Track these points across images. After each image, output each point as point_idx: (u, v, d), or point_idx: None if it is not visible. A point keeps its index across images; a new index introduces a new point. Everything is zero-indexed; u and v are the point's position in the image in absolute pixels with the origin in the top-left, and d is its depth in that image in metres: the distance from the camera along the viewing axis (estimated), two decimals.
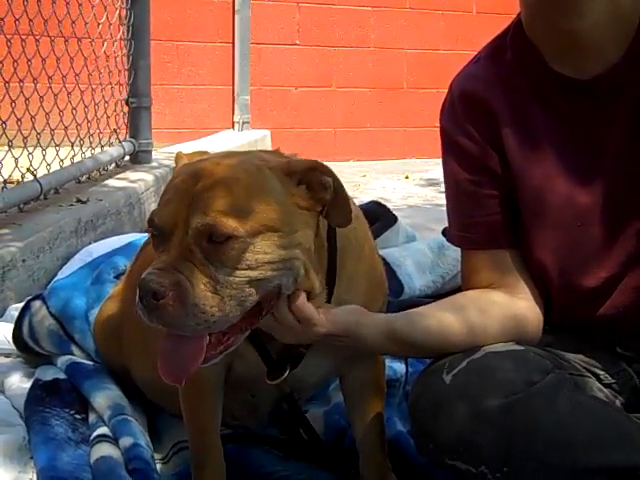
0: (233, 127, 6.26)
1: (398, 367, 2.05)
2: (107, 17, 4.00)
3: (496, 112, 1.57)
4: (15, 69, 3.05)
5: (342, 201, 1.41)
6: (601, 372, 1.59)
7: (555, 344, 1.59)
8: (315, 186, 1.38)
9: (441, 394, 1.43)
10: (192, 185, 1.32)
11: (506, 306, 1.56)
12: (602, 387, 1.58)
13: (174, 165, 1.51)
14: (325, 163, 1.41)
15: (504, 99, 1.57)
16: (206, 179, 1.32)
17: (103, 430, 1.77)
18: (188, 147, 4.92)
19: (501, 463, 1.36)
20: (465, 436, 1.38)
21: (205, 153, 1.52)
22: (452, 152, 1.63)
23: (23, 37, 3.10)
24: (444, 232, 1.71)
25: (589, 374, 1.58)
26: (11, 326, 2.22)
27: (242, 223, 1.29)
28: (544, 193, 1.54)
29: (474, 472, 1.38)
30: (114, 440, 1.74)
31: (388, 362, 1.88)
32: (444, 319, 1.52)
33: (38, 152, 3.19)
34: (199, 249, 1.29)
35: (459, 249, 1.67)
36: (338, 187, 1.40)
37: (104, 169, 3.81)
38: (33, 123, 3.19)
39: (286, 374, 1.51)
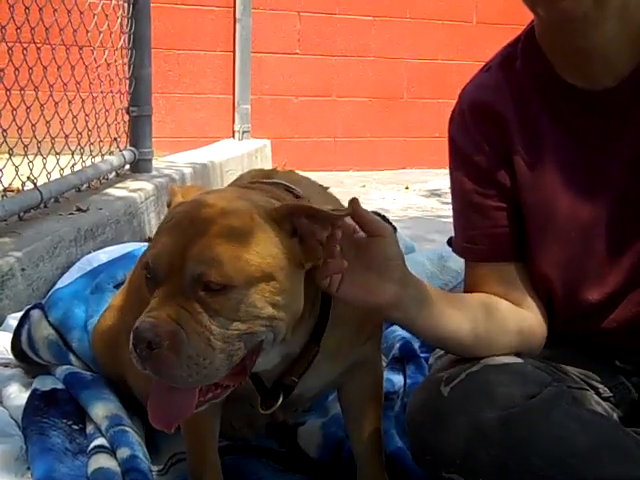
0: (233, 136, 6.27)
1: (396, 379, 2.04)
2: (108, 26, 4.00)
3: (506, 122, 1.55)
4: (16, 77, 3.05)
5: None
6: (599, 385, 1.59)
7: (554, 357, 1.58)
8: (308, 240, 1.35)
9: (439, 407, 1.42)
10: (186, 230, 1.30)
11: (517, 318, 1.54)
12: (600, 400, 1.57)
13: (168, 199, 1.47)
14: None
15: (514, 109, 1.55)
16: (201, 225, 1.30)
17: (101, 441, 1.77)
18: (188, 156, 4.93)
19: (498, 476, 1.36)
20: (462, 449, 1.37)
21: (200, 188, 1.51)
22: (460, 163, 1.61)
23: (25, 45, 3.10)
24: (449, 242, 1.69)
25: (587, 387, 1.58)
26: (10, 335, 2.22)
27: (237, 272, 1.27)
28: (549, 206, 1.53)
29: None
30: (111, 451, 1.73)
31: (386, 374, 1.88)
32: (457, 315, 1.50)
33: (39, 160, 3.18)
34: (194, 297, 1.27)
35: (458, 260, 1.66)
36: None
37: (104, 178, 3.81)
38: (34, 131, 3.18)
39: (279, 403, 1.51)
